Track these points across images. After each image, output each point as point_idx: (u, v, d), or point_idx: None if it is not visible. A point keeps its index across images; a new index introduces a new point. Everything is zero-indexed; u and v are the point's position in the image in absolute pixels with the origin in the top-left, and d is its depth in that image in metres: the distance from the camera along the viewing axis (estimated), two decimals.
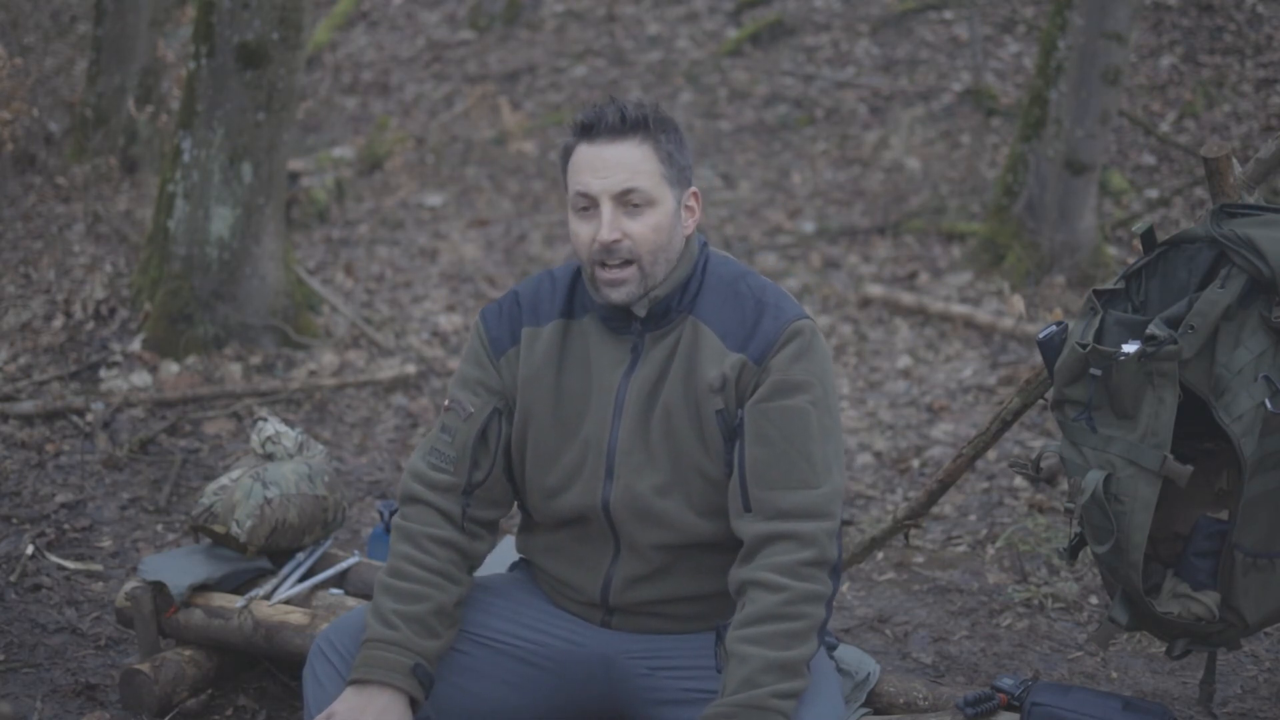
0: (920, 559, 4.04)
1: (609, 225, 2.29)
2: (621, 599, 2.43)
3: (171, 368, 5.28)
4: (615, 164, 2.30)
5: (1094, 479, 2.43)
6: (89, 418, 4.81)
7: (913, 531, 3.86)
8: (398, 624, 2.31)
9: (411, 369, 5.61)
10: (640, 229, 2.30)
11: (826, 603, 2.27)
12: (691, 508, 2.35)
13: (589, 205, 2.32)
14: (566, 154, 2.36)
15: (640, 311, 2.35)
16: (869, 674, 2.68)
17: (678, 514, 2.35)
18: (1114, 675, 3.31)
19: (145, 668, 2.98)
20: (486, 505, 2.45)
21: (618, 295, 2.32)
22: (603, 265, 2.32)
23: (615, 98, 2.39)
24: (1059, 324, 2.59)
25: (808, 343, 2.33)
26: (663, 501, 2.35)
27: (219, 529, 3.11)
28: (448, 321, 6.39)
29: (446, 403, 2.46)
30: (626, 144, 2.31)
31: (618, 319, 2.39)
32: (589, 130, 2.33)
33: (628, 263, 2.31)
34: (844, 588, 3.85)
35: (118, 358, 5.31)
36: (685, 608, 2.42)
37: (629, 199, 2.30)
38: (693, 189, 2.40)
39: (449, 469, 2.41)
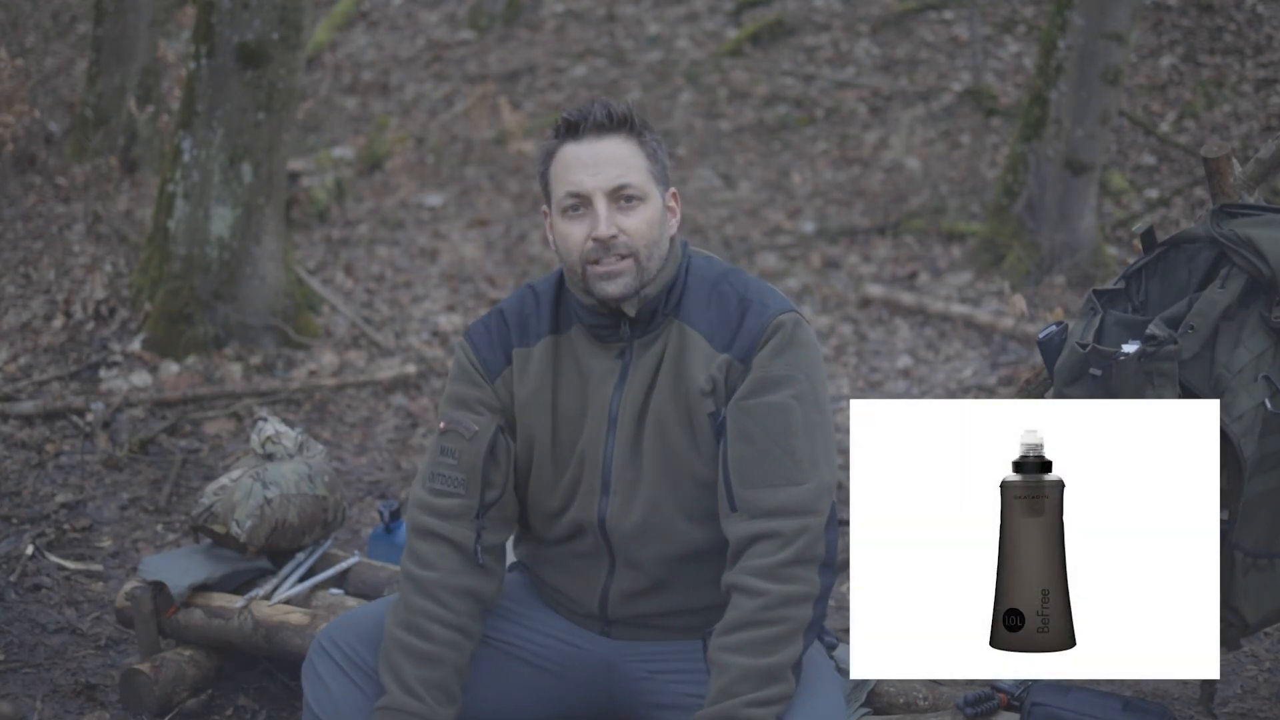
0: None
1: (606, 220, 2.24)
2: (619, 612, 2.40)
3: (171, 368, 5.28)
4: (606, 160, 2.26)
5: None
6: (89, 418, 4.80)
7: None
8: (421, 693, 2.26)
9: (411, 369, 5.60)
10: (635, 224, 2.26)
11: (815, 601, 2.22)
12: (684, 514, 2.31)
13: (580, 204, 2.27)
14: (548, 157, 2.30)
15: (630, 311, 2.29)
16: None
17: (671, 523, 2.31)
18: None
19: (145, 668, 2.99)
20: (499, 525, 2.38)
21: (614, 287, 2.26)
22: (595, 262, 2.26)
23: (596, 98, 2.34)
24: (1059, 324, 2.59)
25: (789, 336, 2.27)
26: (656, 513, 2.31)
27: (219, 529, 3.11)
28: (448, 321, 6.38)
29: (442, 425, 2.37)
30: (614, 140, 2.27)
31: (605, 326, 2.33)
32: (575, 129, 2.27)
33: (624, 256, 2.26)
34: (844, 588, 3.84)
35: (118, 358, 5.31)
36: (684, 620, 2.39)
37: (622, 193, 2.26)
38: (672, 189, 2.36)
39: (458, 491, 2.33)
